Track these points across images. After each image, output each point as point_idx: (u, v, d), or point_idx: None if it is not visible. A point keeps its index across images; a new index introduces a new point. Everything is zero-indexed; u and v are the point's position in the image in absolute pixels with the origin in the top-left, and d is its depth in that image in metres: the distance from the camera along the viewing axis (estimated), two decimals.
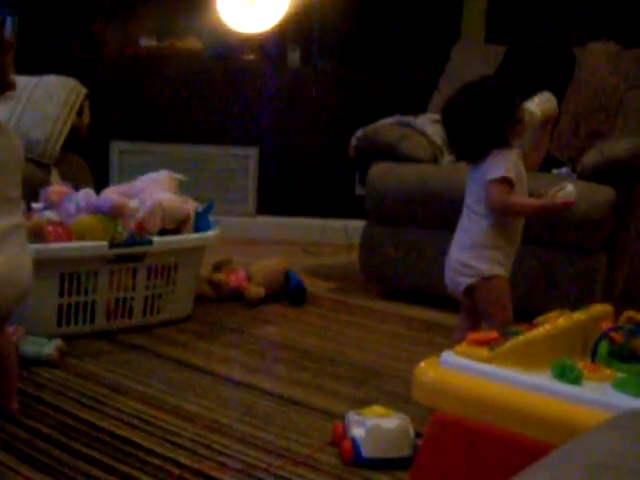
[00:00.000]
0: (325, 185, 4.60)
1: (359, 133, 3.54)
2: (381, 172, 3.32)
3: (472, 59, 3.95)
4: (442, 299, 3.06)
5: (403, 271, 3.29)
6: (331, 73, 4.58)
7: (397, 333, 2.85)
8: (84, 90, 3.33)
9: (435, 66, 4.00)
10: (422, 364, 1.51)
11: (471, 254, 2.13)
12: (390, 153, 3.36)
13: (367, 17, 4.63)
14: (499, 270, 2.12)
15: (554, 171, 3.37)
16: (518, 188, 2.12)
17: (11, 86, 1.95)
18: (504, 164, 2.09)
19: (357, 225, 3.89)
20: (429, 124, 3.50)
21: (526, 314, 2.34)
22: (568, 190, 2.07)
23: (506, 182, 2.08)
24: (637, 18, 4.93)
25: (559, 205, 2.08)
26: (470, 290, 2.14)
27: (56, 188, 2.74)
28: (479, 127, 2.10)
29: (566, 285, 2.98)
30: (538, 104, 2.16)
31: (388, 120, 3.52)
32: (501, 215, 2.12)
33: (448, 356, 1.49)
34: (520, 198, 2.13)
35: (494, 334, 1.49)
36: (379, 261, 3.35)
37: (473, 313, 2.19)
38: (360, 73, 4.59)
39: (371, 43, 4.61)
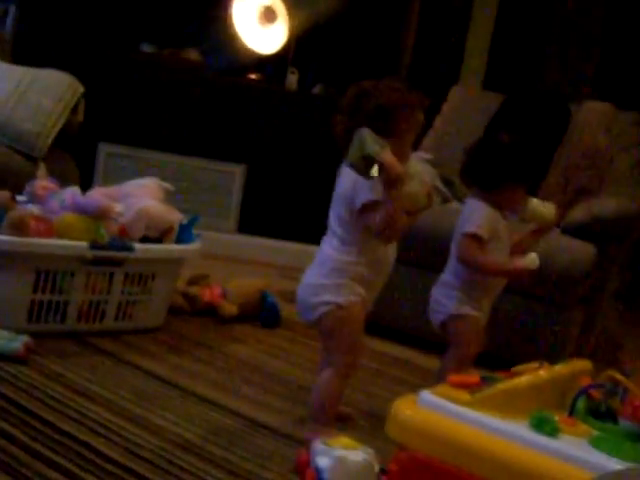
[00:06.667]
0: (308, 211, 4.58)
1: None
2: None
3: (469, 103, 3.97)
4: (419, 338, 3.06)
5: (381, 307, 3.26)
6: (326, 99, 4.59)
7: (369, 368, 2.83)
8: (81, 88, 3.32)
9: (432, 105, 4.01)
10: (399, 401, 1.50)
11: (442, 291, 2.22)
12: None
13: (368, 48, 4.66)
14: (467, 310, 2.16)
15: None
16: (492, 245, 2.17)
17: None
18: (479, 220, 2.13)
19: None
20: (419, 163, 3.50)
21: (499, 361, 2.36)
22: (531, 257, 2.11)
23: (477, 238, 2.13)
24: (633, 82, 5.00)
25: (520, 272, 2.11)
26: (444, 326, 2.21)
27: (42, 183, 2.71)
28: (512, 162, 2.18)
29: (540, 337, 2.98)
30: (549, 207, 2.23)
31: None
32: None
33: (426, 396, 1.47)
34: (483, 257, 2.16)
35: (476, 378, 1.48)
36: None
37: None
38: None
39: (370, 74, 4.63)
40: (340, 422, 2.18)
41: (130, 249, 2.61)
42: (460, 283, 2.20)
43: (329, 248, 2.02)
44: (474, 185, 2.23)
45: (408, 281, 3.11)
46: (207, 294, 3.12)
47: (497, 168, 2.18)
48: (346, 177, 1.99)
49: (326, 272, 2.01)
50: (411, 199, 2.02)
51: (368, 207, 1.92)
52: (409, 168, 2.20)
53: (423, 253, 3.07)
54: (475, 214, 2.18)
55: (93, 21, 4.40)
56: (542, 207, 2.23)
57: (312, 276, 2.05)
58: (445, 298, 2.21)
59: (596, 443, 1.39)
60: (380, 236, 1.94)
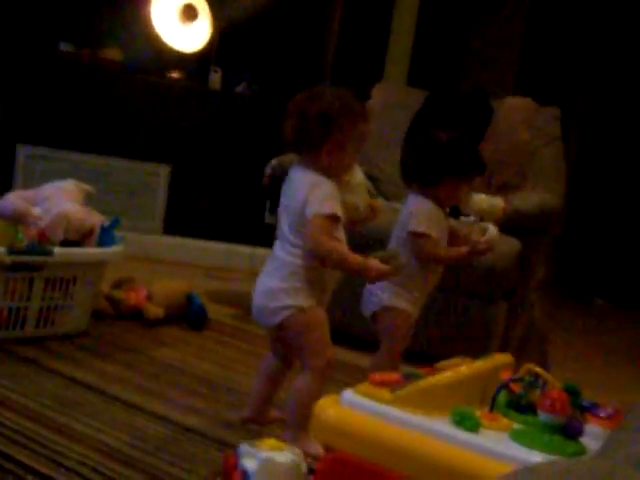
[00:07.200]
0: (235, 210, 4.56)
1: (274, 161, 3.52)
2: None
3: (393, 100, 4.00)
4: (346, 336, 3.06)
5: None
6: (251, 98, 4.57)
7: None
8: None
9: None
10: (322, 401, 1.50)
11: (378, 283, 2.20)
12: None
13: (292, 47, 4.65)
14: (401, 304, 2.18)
15: (462, 219, 3.43)
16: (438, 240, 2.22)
17: None
18: (426, 221, 2.19)
19: (263, 253, 3.86)
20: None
21: (425, 357, 2.37)
22: (491, 233, 2.14)
23: (426, 236, 2.18)
24: (553, 78, 5.10)
25: (482, 250, 2.16)
26: (375, 317, 2.24)
27: None
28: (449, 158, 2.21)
29: (465, 331, 3.01)
30: (496, 202, 2.26)
31: None
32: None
33: (348, 395, 1.47)
34: (442, 250, 2.22)
35: (397, 376, 1.49)
36: None
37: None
38: (279, 101, 4.59)
39: (293, 73, 4.62)
40: (269, 424, 2.17)
41: (49, 253, 2.55)
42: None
43: (283, 253, 2.02)
44: (415, 182, 2.26)
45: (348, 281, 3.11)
46: (132, 297, 3.07)
47: (436, 165, 2.22)
48: (297, 186, 2.00)
49: (283, 276, 2.00)
50: (352, 210, 2.05)
51: (317, 219, 1.94)
52: (352, 178, 2.22)
53: (362, 249, 3.07)
54: (421, 213, 2.21)
55: (9, 20, 4.30)
56: (487, 202, 2.27)
57: (269, 281, 2.04)
58: (380, 289, 2.22)
59: (516, 436, 1.40)
60: (311, 256, 1.98)
